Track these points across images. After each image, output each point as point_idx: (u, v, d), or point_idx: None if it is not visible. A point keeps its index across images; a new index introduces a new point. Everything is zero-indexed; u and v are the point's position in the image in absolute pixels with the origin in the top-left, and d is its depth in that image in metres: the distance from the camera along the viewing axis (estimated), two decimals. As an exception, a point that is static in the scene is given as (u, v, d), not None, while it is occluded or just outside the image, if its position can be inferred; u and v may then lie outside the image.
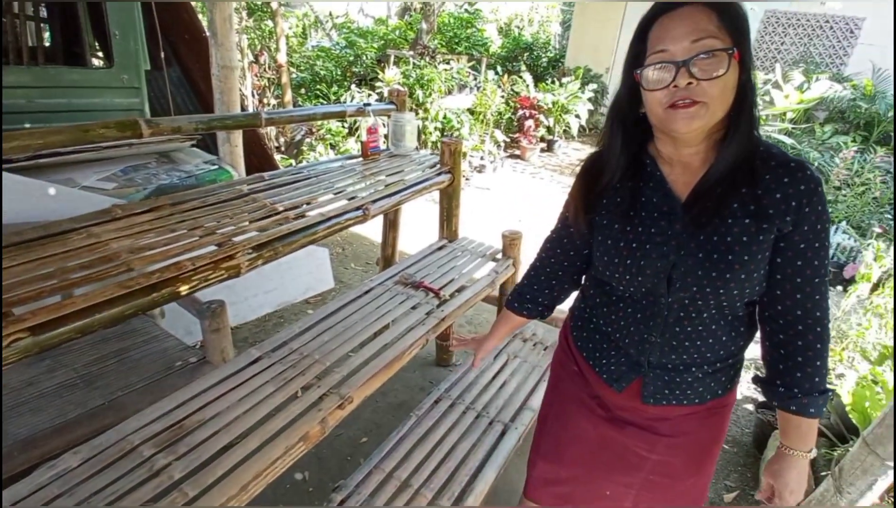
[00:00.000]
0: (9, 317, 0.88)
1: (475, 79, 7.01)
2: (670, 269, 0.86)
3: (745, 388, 2.66)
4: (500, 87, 6.67)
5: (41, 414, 1.54)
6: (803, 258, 0.83)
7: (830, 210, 4.73)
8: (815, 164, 5.21)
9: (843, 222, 4.51)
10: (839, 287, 4.24)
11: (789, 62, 7.58)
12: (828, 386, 0.88)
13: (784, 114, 5.98)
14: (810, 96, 5.99)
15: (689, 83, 0.76)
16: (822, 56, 7.48)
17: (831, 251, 4.43)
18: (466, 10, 8.53)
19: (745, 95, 0.80)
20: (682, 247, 0.85)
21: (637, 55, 0.83)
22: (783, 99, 5.97)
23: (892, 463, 1.29)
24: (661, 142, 0.89)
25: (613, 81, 8.66)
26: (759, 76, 6.24)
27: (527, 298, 1.17)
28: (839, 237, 4.49)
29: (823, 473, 1.82)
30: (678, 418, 0.99)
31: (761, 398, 2.55)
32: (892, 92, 6.05)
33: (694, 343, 0.90)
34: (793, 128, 5.90)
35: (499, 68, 7.88)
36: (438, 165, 2.05)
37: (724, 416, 1.02)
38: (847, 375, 2.17)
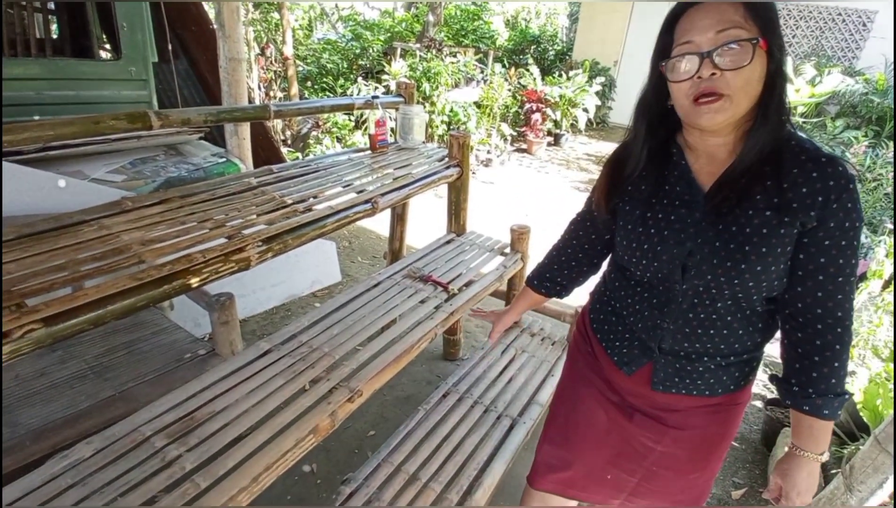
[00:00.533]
0: (22, 308, 0.88)
1: (482, 72, 6.96)
2: (686, 256, 0.86)
3: (755, 385, 2.65)
4: (506, 80, 6.63)
5: (53, 404, 1.56)
6: (827, 256, 0.81)
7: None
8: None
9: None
10: (849, 284, 4.19)
11: (801, 55, 7.48)
12: (846, 389, 0.86)
13: (795, 108, 5.92)
14: (822, 90, 5.92)
15: (713, 74, 0.76)
16: (834, 49, 7.37)
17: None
18: (473, 3, 8.47)
19: (773, 86, 0.79)
20: (699, 235, 0.86)
21: (664, 48, 0.83)
22: (794, 93, 5.91)
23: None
24: (688, 132, 0.89)
25: (621, 75, 8.59)
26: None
27: (546, 276, 1.20)
28: (850, 233, 4.43)
29: (833, 471, 1.81)
30: (687, 410, 0.99)
31: (770, 396, 2.53)
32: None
33: (707, 332, 0.90)
34: (804, 122, 5.84)
35: (506, 61, 7.83)
36: (447, 159, 2.04)
37: (736, 413, 1.00)
38: (858, 372, 2.15)
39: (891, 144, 5.12)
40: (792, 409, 0.90)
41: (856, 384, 2.05)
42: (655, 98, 0.89)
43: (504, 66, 7.40)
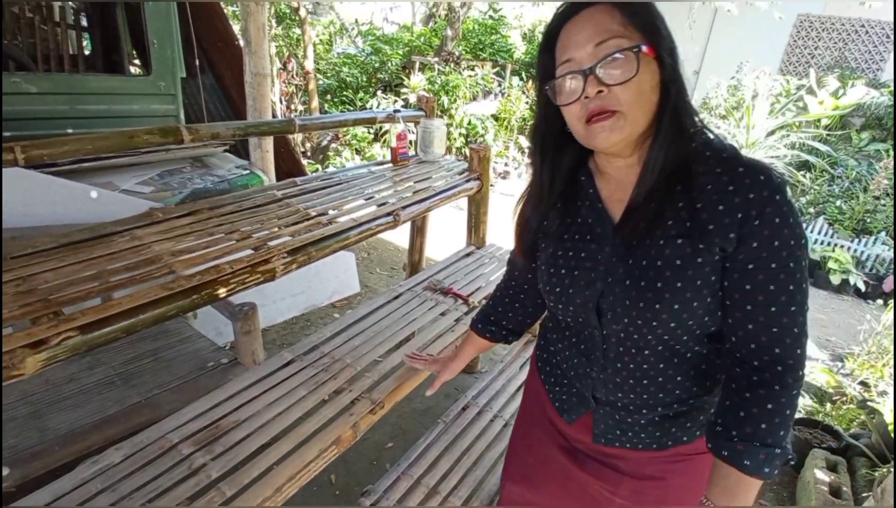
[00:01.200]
0: (60, 316, 0.91)
1: (499, 85, 7.01)
2: (599, 298, 0.77)
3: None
4: (524, 93, 6.66)
5: (81, 410, 1.59)
6: (753, 282, 0.68)
7: (869, 220, 4.56)
8: (853, 172, 5.06)
9: (882, 233, 4.36)
10: (879, 301, 4.10)
11: (823, 67, 7.38)
12: (784, 447, 0.69)
13: (818, 120, 5.83)
14: (846, 102, 5.82)
15: (600, 91, 0.68)
16: (858, 61, 7.26)
17: (869, 263, 4.30)
18: (491, 17, 8.55)
19: (667, 95, 0.70)
20: (610, 273, 0.76)
21: (546, 69, 0.75)
22: (817, 105, 5.82)
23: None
24: (596, 155, 0.81)
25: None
26: (793, 81, 6.10)
27: (491, 320, 1.09)
28: (878, 249, 4.34)
29: (865, 494, 1.75)
30: (639, 459, 0.88)
31: (798, 415, 2.47)
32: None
33: (640, 383, 0.79)
34: (828, 135, 5.74)
35: (523, 74, 7.87)
36: (467, 172, 2.06)
37: (701, 462, 0.84)
38: (889, 392, 2.08)
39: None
40: (713, 454, 0.74)
41: (886, 405, 1.99)
42: (547, 125, 0.80)
43: (521, 78, 7.44)
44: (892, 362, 2.34)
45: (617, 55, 0.66)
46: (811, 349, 3.23)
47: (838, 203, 4.76)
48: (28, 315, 0.90)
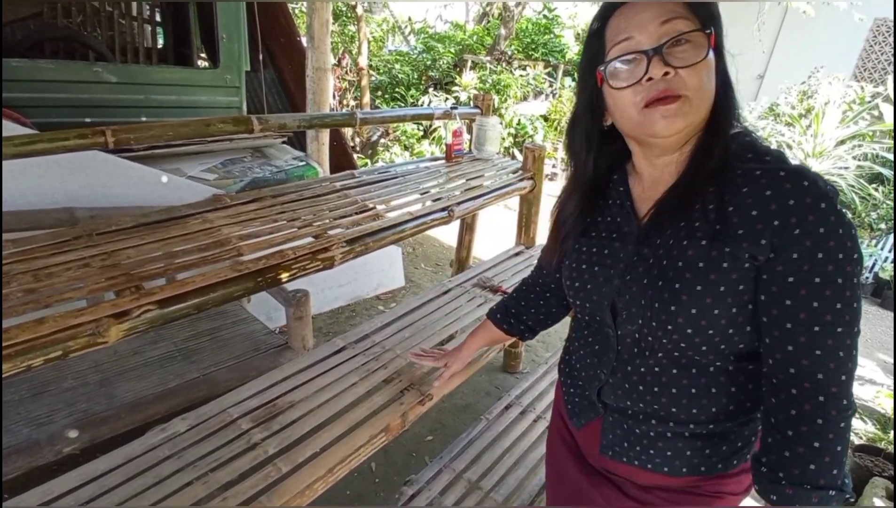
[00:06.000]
0: (140, 290, 0.97)
1: (551, 85, 6.93)
2: (615, 296, 0.74)
3: (839, 427, 2.44)
4: (575, 94, 6.55)
5: (146, 381, 1.69)
6: (793, 297, 0.62)
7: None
8: (932, 188, 4.69)
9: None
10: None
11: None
12: (840, 487, 0.63)
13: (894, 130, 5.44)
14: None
15: (666, 73, 0.62)
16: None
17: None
18: (545, 16, 8.46)
19: (726, 88, 0.67)
20: (629, 271, 0.72)
21: (595, 55, 0.70)
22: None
23: None
24: (635, 155, 0.76)
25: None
26: (868, 88, 5.73)
27: (511, 312, 1.06)
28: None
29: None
30: (648, 483, 0.80)
31: (858, 442, 2.32)
32: None
33: (651, 390, 0.74)
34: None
35: (575, 75, 7.75)
36: (520, 171, 2.05)
37: (718, 505, 0.77)
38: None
39: None
40: (760, 496, 0.68)
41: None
42: (593, 116, 0.75)
43: (574, 79, 7.32)
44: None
45: (686, 36, 0.62)
46: (875, 373, 3.04)
47: (913, 220, 4.44)
48: (113, 288, 0.97)
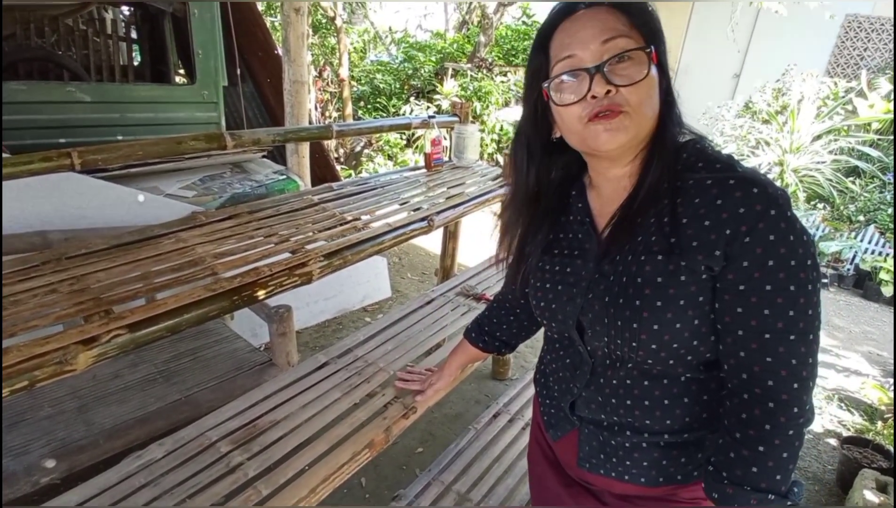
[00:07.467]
0: (110, 314, 0.95)
1: (532, 91, 6.97)
2: (579, 313, 0.74)
3: (828, 420, 2.46)
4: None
5: (125, 405, 1.66)
6: (745, 305, 0.62)
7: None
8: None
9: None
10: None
11: (873, 69, 7.04)
12: (782, 493, 0.63)
13: (869, 124, 5.55)
14: (899, 106, 5.52)
15: (608, 91, 0.64)
16: (911, 62, 6.90)
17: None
18: (524, 22, 8.54)
19: (671, 104, 0.69)
20: (591, 289, 0.73)
21: (538, 69, 0.71)
22: (867, 109, 5.55)
23: None
24: (591, 168, 0.77)
25: (676, 87, 8.36)
26: (841, 84, 5.85)
27: (485, 330, 1.07)
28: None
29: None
30: (626, 495, 0.81)
31: (846, 433, 2.35)
32: None
33: (623, 403, 0.74)
34: (879, 139, 5.47)
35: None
36: (501, 178, 2.05)
37: None
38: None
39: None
40: (705, 494, 0.70)
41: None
42: (535, 129, 0.76)
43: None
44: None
45: (627, 54, 0.63)
46: (860, 363, 3.07)
47: (890, 211, 4.52)
48: (81, 313, 0.94)
